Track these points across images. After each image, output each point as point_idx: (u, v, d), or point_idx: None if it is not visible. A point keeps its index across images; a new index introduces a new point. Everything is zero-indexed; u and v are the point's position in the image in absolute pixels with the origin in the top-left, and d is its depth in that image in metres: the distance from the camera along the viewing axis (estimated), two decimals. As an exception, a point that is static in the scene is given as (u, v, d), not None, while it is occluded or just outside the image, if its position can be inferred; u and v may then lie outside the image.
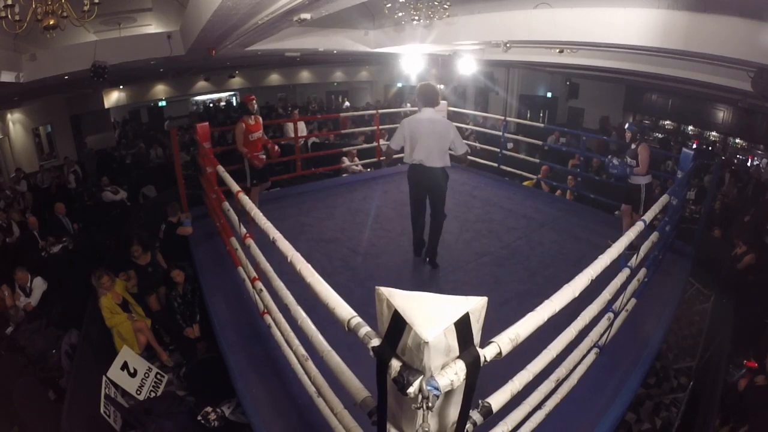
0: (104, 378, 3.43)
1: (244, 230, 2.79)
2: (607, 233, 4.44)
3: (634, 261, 2.41)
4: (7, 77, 5.36)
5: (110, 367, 3.57)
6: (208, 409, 3.26)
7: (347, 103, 17.06)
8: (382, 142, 6.78)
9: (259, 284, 2.83)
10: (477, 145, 8.39)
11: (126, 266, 4.69)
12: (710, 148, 10.07)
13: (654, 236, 2.81)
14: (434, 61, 8.35)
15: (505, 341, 1.27)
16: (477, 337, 1.14)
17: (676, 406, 3.72)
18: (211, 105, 16.60)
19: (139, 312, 4.27)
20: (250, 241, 2.66)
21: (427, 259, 4.06)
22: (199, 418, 3.23)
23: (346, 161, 7.53)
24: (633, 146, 4.22)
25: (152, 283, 4.68)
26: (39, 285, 4.72)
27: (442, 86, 12.25)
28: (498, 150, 6.67)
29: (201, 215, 5.13)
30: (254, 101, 4.79)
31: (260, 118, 4.87)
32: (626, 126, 4.45)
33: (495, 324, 1.33)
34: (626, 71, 6.29)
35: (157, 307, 4.55)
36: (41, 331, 4.07)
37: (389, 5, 4.88)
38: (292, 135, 7.06)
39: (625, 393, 2.67)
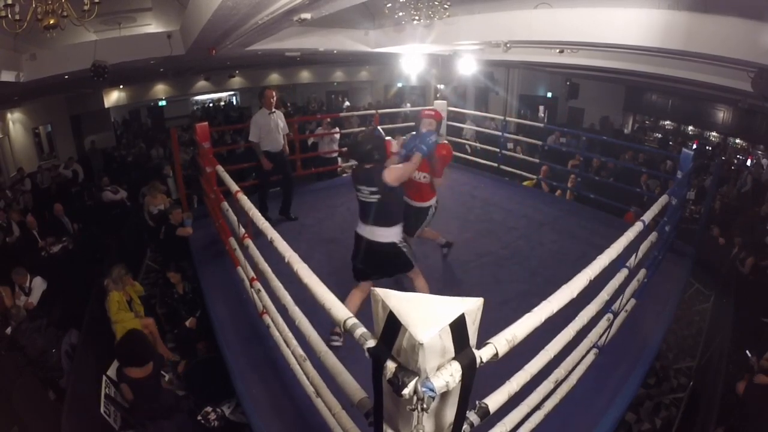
0: (104, 378, 3.43)
1: (242, 230, 2.79)
2: (608, 233, 4.43)
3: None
4: (7, 77, 5.36)
5: (110, 366, 3.57)
6: (208, 409, 3.26)
7: (347, 103, 17.05)
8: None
9: (258, 284, 2.83)
10: (477, 144, 8.38)
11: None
12: (710, 148, 10.06)
13: (653, 236, 2.81)
14: (434, 61, 8.34)
15: (502, 342, 1.27)
16: (473, 338, 1.14)
17: (676, 406, 3.72)
18: (211, 105, 16.58)
19: (141, 312, 4.27)
20: (249, 242, 2.66)
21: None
22: (199, 418, 3.23)
23: (341, 162, 7.57)
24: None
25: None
26: (38, 285, 4.71)
27: (441, 86, 12.31)
28: (498, 150, 6.67)
29: (201, 215, 5.13)
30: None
31: None
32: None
33: (495, 324, 1.33)
34: (626, 71, 6.26)
35: None
36: (41, 331, 4.07)
37: (389, 5, 4.87)
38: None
39: (625, 393, 2.67)
